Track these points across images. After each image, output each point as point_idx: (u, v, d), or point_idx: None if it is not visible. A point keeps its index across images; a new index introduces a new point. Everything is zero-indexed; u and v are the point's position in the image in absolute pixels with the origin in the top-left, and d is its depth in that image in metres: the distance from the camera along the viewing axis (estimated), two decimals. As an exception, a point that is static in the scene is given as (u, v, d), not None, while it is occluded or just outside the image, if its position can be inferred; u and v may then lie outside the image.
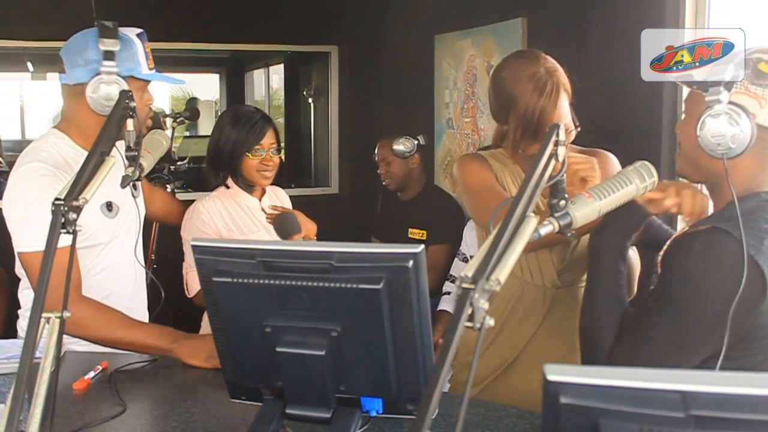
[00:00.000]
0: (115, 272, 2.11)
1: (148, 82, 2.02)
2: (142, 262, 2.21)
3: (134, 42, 1.96)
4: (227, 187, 2.55)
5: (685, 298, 1.42)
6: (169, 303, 1.94)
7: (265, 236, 2.46)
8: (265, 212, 2.57)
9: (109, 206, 2.05)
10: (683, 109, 1.57)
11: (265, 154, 2.48)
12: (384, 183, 3.72)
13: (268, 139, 2.50)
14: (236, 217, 2.50)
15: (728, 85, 1.41)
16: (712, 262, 1.40)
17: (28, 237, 1.88)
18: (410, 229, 3.63)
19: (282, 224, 2.39)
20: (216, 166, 2.54)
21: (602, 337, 1.53)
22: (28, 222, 1.89)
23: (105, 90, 1.88)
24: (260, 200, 2.61)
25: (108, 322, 1.91)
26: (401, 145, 3.62)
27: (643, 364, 1.41)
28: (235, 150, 2.47)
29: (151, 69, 2.01)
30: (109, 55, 1.89)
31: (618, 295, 1.56)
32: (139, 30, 2.02)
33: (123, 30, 1.97)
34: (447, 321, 3.32)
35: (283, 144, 2.71)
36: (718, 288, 1.37)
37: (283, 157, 2.62)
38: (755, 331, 1.41)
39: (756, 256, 1.36)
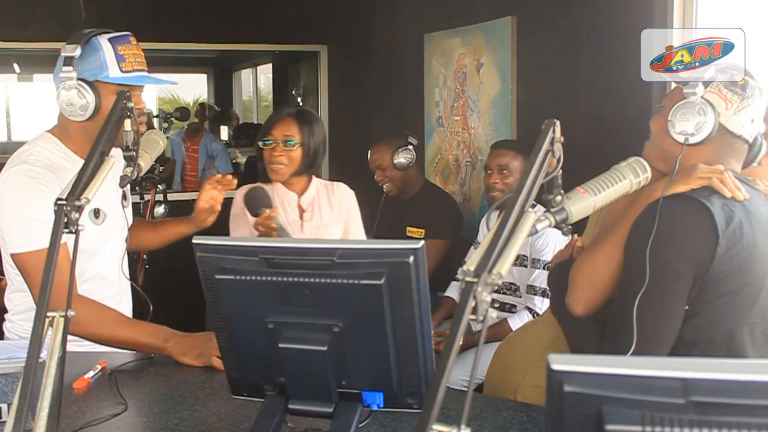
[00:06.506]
0: (104, 280, 2.08)
1: (131, 87, 1.91)
2: (127, 273, 2.12)
3: (101, 46, 1.90)
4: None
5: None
6: (165, 306, 1.92)
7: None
8: (301, 209, 2.46)
9: (96, 213, 2.01)
10: (662, 103, 1.69)
11: (275, 145, 2.39)
12: (385, 190, 3.58)
13: (281, 130, 2.39)
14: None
15: (706, 84, 1.56)
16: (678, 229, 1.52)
17: (20, 238, 1.88)
18: (408, 228, 3.58)
19: (251, 198, 2.28)
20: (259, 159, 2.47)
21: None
22: (17, 223, 1.88)
23: (64, 95, 1.88)
24: (300, 196, 2.50)
25: (103, 320, 1.92)
26: (402, 158, 3.50)
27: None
28: (258, 139, 2.41)
29: (127, 72, 1.92)
30: (68, 61, 1.87)
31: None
32: (119, 33, 1.95)
33: (103, 35, 1.92)
34: (448, 307, 3.34)
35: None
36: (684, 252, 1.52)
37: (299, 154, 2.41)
38: (716, 279, 1.52)
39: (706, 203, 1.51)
